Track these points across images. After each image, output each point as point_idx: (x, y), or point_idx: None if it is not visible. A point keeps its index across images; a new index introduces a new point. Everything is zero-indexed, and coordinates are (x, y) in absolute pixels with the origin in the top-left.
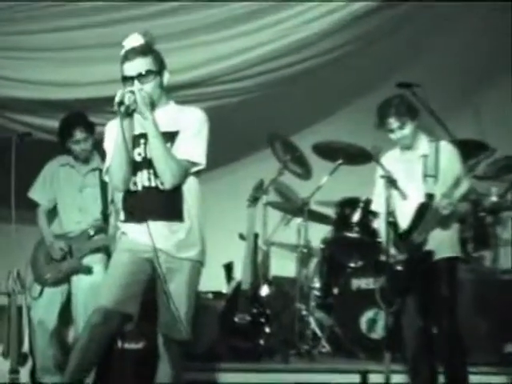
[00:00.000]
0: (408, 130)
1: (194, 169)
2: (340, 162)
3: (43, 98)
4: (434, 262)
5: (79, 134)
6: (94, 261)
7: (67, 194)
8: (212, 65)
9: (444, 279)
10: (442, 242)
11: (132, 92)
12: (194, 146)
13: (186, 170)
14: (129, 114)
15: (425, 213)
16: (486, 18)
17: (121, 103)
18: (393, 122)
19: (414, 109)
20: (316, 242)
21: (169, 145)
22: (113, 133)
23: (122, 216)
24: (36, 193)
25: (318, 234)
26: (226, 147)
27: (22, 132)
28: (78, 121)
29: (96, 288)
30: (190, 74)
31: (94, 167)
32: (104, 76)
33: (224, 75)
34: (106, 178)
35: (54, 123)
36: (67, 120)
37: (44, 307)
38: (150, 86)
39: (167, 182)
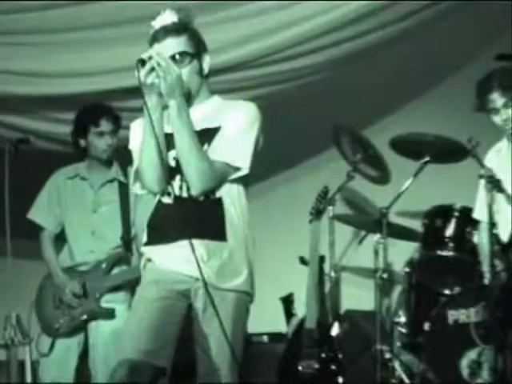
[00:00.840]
0: None
1: (235, 175)
2: (426, 159)
3: (38, 93)
4: None
5: (105, 125)
6: (116, 300)
7: (77, 215)
8: (252, 42)
9: None
10: None
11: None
12: (236, 145)
13: (222, 175)
14: (150, 84)
15: None
16: None
17: (142, 62)
18: (497, 98)
19: None
20: (399, 265)
21: (206, 146)
22: (139, 131)
23: (145, 237)
24: (38, 214)
25: (402, 253)
26: (279, 150)
27: (16, 138)
28: (104, 110)
29: (119, 335)
30: (225, 56)
31: (111, 178)
32: (119, 61)
33: (267, 55)
34: (135, 188)
35: (56, 127)
36: (91, 108)
37: (57, 363)
38: (185, 72)
39: (194, 187)
